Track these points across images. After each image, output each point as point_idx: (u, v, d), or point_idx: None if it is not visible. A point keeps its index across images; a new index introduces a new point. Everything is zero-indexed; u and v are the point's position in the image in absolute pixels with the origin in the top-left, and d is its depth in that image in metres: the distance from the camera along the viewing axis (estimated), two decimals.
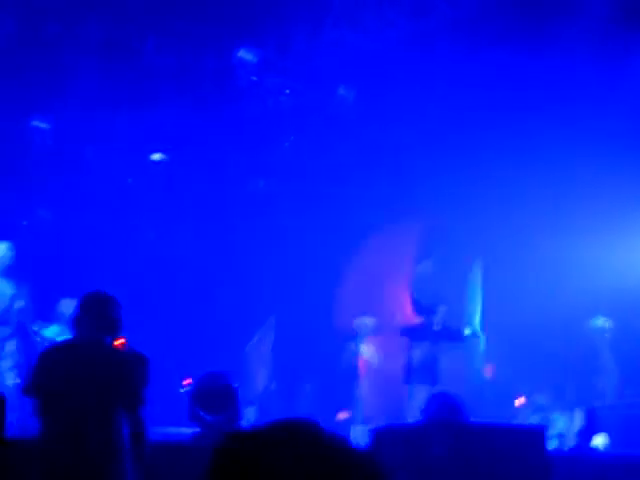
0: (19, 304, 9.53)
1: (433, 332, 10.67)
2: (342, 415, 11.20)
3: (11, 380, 9.22)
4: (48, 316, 10.05)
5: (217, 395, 7.31)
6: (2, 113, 11.42)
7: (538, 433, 6.66)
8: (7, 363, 9.33)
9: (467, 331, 11.11)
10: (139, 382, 5.53)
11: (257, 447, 1.58)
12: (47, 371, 5.56)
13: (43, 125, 11.90)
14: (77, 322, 5.70)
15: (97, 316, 5.60)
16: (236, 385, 7.48)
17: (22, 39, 9.97)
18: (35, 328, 9.60)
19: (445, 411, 7.13)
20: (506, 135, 11.18)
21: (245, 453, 1.58)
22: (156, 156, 12.79)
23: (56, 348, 5.88)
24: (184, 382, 10.63)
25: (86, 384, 5.41)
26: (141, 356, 5.77)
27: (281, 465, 1.55)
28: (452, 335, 10.84)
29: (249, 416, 8.71)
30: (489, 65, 10.44)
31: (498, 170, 11.41)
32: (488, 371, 11.80)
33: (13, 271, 9.67)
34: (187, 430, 7.51)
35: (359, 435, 9.97)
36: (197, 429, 7.20)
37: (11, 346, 9.43)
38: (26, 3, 9.72)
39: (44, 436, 5.48)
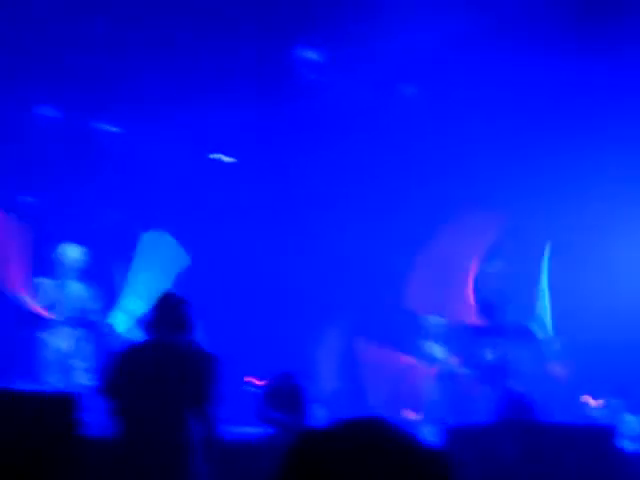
0: (93, 306, 9.70)
1: (503, 331, 10.55)
2: (411, 415, 11.15)
3: (86, 380, 9.39)
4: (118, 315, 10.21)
5: (287, 395, 7.35)
6: (72, 118, 11.64)
7: (609, 433, 6.57)
8: (82, 364, 9.50)
9: (537, 329, 10.94)
10: (208, 381, 5.59)
11: (331, 447, 1.58)
12: (122, 372, 5.68)
13: (113, 129, 12.09)
14: (150, 324, 5.81)
15: (169, 317, 5.69)
16: (306, 385, 7.51)
17: (95, 46, 10.13)
18: (108, 329, 9.76)
19: (517, 411, 7.08)
20: (579, 130, 11.03)
21: (319, 453, 1.58)
22: (221, 157, 12.90)
23: (131, 349, 5.98)
24: (254, 382, 10.69)
25: (158, 384, 5.50)
26: (210, 355, 5.82)
27: (355, 465, 1.54)
28: (522, 334, 10.70)
29: (319, 415, 8.72)
30: (557, 60, 10.31)
31: (570, 167, 11.27)
32: (558, 370, 11.63)
33: (87, 274, 9.84)
34: (257, 430, 7.56)
35: (429, 435, 9.92)
36: (268, 429, 7.24)
37: (86, 347, 9.59)
38: (102, 7, 9.87)
39: (119, 436, 5.58)
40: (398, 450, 1.57)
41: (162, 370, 5.59)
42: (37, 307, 9.56)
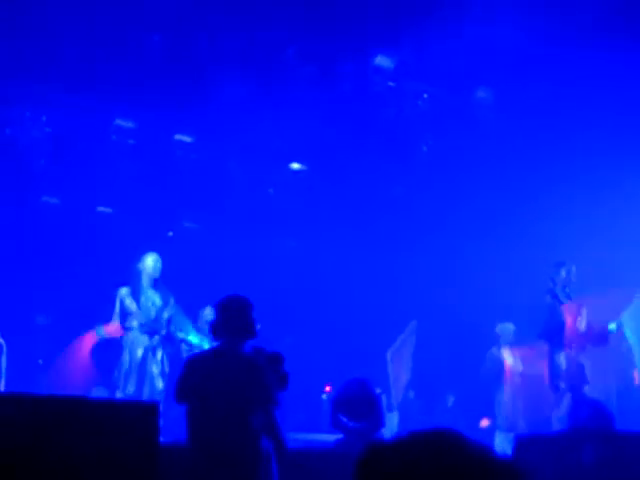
0: (167, 314, 9.82)
1: (577, 335, 10.35)
2: (485, 422, 11.05)
3: (161, 385, 9.52)
4: (193, 324, 10.33)
5: (360, 402, 7.31)
6: (147, 128, 11.80)
7: None
8: (157, 369, 9.63)
9: (613, 328, 10.68)
10: (269, 384, 5.63)
11: (401, 459, 1.57)
12: (192, 378, 5.74)
13: (186, 138, 12.22)
14: (214, 327, 5.88)
15: (232, 320, 5.75)
16: (379, 392, 7.47)
17: (167, 54, 10.25)
18: (181, 336, 9.88)
19: (592, 418, 6.94)
20: None
21: (389, 465, 1.57)
22: (295, 165, 12.95)
23: (199, 356, 6.08)
24: (326, 388, 10.71)
25: (224, 389, 5.57)
26: (273, 356, 5.86)
27: (424, 476, 1.53)
28: (597, 336, 10.47)
29: (391, 423, 8.69)
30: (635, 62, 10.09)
31: None
32: (636, 376, 11.39)
33: (161, 281, 9.97)
34: (329, 437, 7.55)
35: (502, 443, 9.81)
36: (340, 436, 7.22)
37: (160, 354, 9.72)
38: (174, 18, 9.99)
39: (190, 440, 5.66)
40: (468, 463, 1.55)
41: (224, 375, 5.67)
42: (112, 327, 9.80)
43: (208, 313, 10.50)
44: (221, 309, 5.96)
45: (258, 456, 5.58)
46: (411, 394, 11.76)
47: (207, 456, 5.55)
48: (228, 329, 5.84)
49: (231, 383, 5.64)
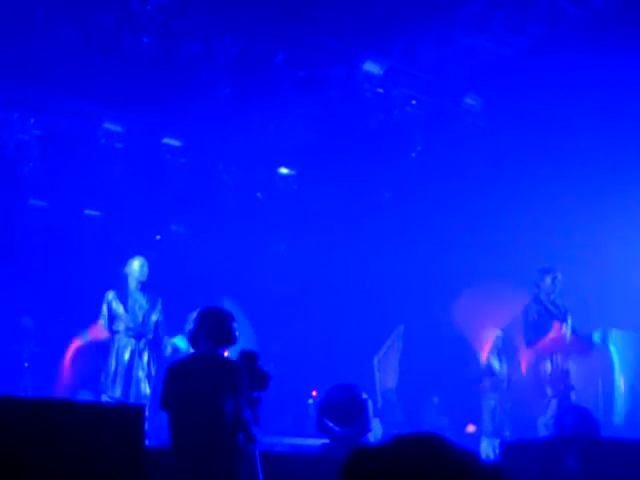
0: (154, 317, 9.81)
1: (562, 343, 10.38)
2: (471, 428, 11.07)
3: (147, 389, 9.51)
4: (180, 329, 10.32)
5: (346, 407, 7.31)
6: (136, 131, 11.79)
7: None
8: (143, 373, 9.62)
9: (597, 338, 10.74)
10: (239, 382, 5.73)
11: (385, 464, 1.58)
12: (171, 384, 5.86)
13: (175, 142, 12.21)
14: (193, 337, 6.03)
15: (211, 329, 5.89)
16: (365, 397, 7.47)
17: (156, 57, 10.25)
18: (168, 340, 9.87)
19: (578, 425, 6.97)
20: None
21: (374, 470, 1.58)
22: (284, 170, 12.97)
23: (178, 362, 6.20)
24: (312, 393, 10.72)
25: (199, 393, 5.71)
26: (247, 355, 6.00)
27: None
28: (582, 344, 10.50)
29: (375, 428, 8.69)
30: (626, 70, 10.13)
31: None
32: (621, 382, 11.44)
33: (148, 285, 9.96)
34: (315, 441, 7.56)
35: (488, 448, 9.83)
36: (326, 440, 7.23)
37: (147, 357, 9.71)
38: (163, 22, 9.99)
39: (172, 445, 5.74)
40: (452, 468, 1.56)
41: (200, 380, 5.81)
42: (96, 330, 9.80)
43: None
44: (199, 318, 6.12)
45: (236, 456, 5.65)
46: (393, 397, 11.76)
47: (187, 460, 5.63)
48: (207, 337, 5.99)
49: (206, 386, 5.77)
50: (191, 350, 6.28)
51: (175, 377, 5.97)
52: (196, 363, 6.00)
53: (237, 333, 6.08)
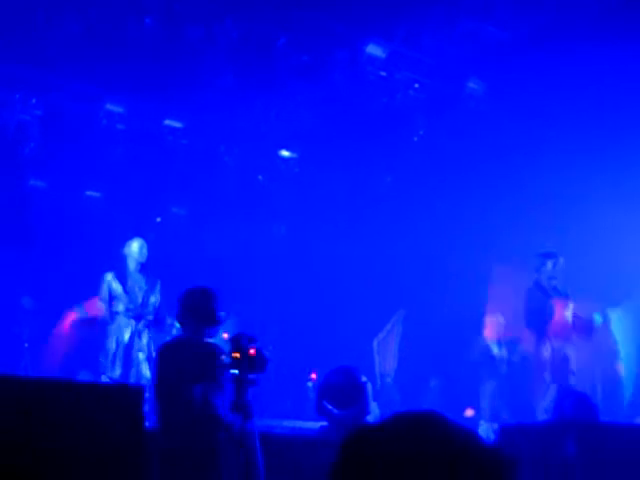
0: (154, 299, 9.82)
1: (563, 326, 10.36)
2: (469, 412, 11.10)
3: (146, 371, 9.53)
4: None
5: (345, 389, 7.32)
6: (137, 113, 11.77)
7: None
8: (143, 355, 9.64)
9: (598, 320, 10.69)
10: (210, 365, 5.81)
11: (383, 441, 1.57)
12: (155, 368, 6.18)
13: (176, 124, 12.19)
14: (178, 318, 6.13)
15: (195, 310, 5.97)
16: (364, 379, 7.48)
17: (160, 41, 10.23)
18: (169, 321, 9.88)
19: (577, 409, 6.98)
20: None
21: (372, 448, 1.57)
22: (285, 153, 12.95)
23: (164, 345, 6.35)
24: (311, 376, 10.73)
25: (178, 377, 5.86)
26: (212, 347, 6.08)
27: (410, 458, 1.53)
28: (583, 328, 10.49)
29: (374, 411, 8.70)
30: (628, 56, 10.10)
31: None
32: (620, 368, 11.46)
33: (148, 266, 9.97)
34: (314, 424, 7.57)
35: (487, 432, 9.85)
36: (324, 423, 7.24)
37: (146, 338, 9.73)
38: (166, 5, 9.96)
39: (158, 427, 5.86)
40: (452, 446, 1.56)
41: (179, 364, 5.96)
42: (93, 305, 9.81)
43: None
44: (184, 298, 6.23)
45: (206, 441, 5.73)
46: (389, 380, 11.77)
47: (166, 442, 5.72)
48: (191, 317, 6.10)
49: (177, 371, 5.92)
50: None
51: (158, 360, 6.18)
52: (175, 347, 6.17)
53: (222, 313, 6.16)
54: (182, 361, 5.95)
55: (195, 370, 5.86)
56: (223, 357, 5.84)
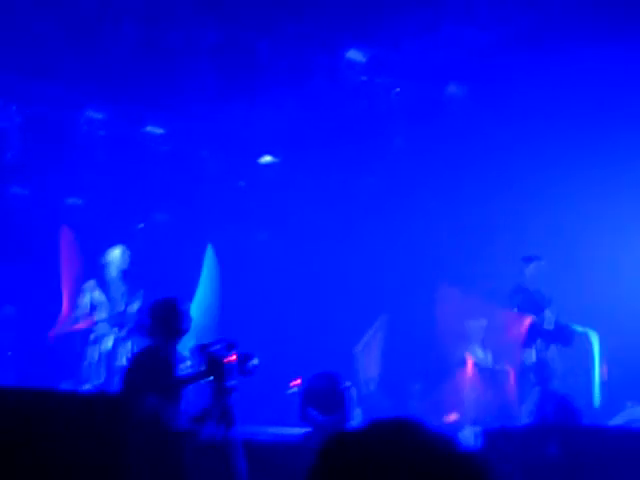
0: (136, 306, 9.79)
1: (544, 332, 10.41)
2: (452, 416, 11.10)
3: None
4: None
5: (328, 395, 7.34)
6: (118, 120, 11.74)
7: None
8: (122, 362, 9.60)
9: (579, 329, 10.76)
10: (163, 380, 5.92)
11: (360, 447, 1.58)
12: (122, 378, 6.41)
13: (157, 130, 12.17)
14: (147, 328, 6.30)
15: (160, 321, 6.12)
16: (347, 385, 7.50)
17: (140, 47, 10.21)
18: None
19: (559, 413, 7.01)
20: (623, 128, 10.89)
21: (349, 453, 1.58)
22: (267, 158, 12.94)
23: (132, 355, 6.49)
24: (294, 382, 10.70)
25: (134, 388, 6.08)
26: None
27: (385, 465, 1.54)
28: (564, 334, 10.54)
29: (357, 417, 8.70)
30: (607, 59, 10.16)
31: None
32: (604, 372, 11.49)
33: (130, 274, 9.94)
34: (298, 430, 7.57)
35: (469, 437, 9.86)
36: (308, 429, 7.24)
37: (129, 346, 9.69)
38: (146, 10, 9.95)
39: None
40: (429, 451, 1.56)
41: (128, 376, 6.26)
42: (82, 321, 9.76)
43: None
44: (150, 310, 6.54)
45: (168, 450, 5.78)
46: (372, 387, 11.76)
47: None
48: (158, 328, 6.36)
49: (140, 380, 6.14)
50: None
51: (124, 370, 6.48)
52: (138, 357, 6.45)
53: (187, 325, 6.29)
54: (142, 371, 6.05)
55: (149, 380, 5.95)
56: (185, 366, 5.92)
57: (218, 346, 5.76)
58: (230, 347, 5.76)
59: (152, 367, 6.06)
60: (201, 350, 5.82)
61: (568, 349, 10.78)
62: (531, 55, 10.37)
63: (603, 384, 11.22)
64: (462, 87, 11.61)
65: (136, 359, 6.45)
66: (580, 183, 11.27)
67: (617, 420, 10.45)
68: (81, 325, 9.90)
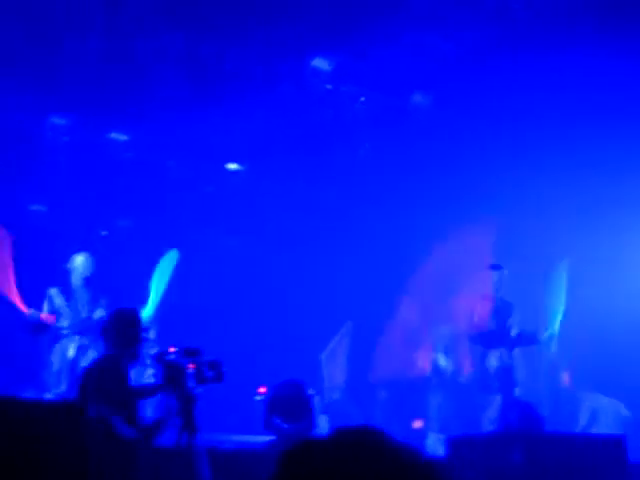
0: (99, 314, 9.71)
1: (509, 338, 10.49)
2: (417, 424, 11.13)
3: None
4: None
5: (293, 403, 7.33)
6: (82, 126, 11.66)
7: (618, 443, 6.50)
8: None
9: (544, 335, 10.85)
10: (101, 392, 5.97)
11: (324, 456, 1.58)
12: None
13: (122, 137, 12.10)
14: (102, 337, 6.38)
15: (115, 331, 6.18)
16: (311, 393, 7.49)
17: (105, 53, 10.15)
18: None
19: (522, 420, 7.05)
20: (584, 137, 10.99)
21: (312, 462, 1.58)
22: (232, 166, 12.92)
23: (89, 364, 6.56)
24: (259, 390, 10.68)
25: (82, 398, 6.12)
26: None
27: (348, 473, 1.54)
28: (528, 339, 10.61)
29: (322, 424, 8.70)
30: (570, 67, 10.26)
31: (579, 171, 11.22)
32: (565, 378, 11.59)
33: (94, 281, 9.86)
34: (262, 438, 7.55)
35: (434, 444, 9.89)
36: (273, 437, 7.23)
37: (92, 354, 9.61)
38: (110, 16, 9.89)
39: None
40: (391, 460, 1.56)
41: (85, 385, 6.34)
42: (44, 315, 9.62)
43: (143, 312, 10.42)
44: (106, 320, 6.76)
45: (116, 459, 5.80)
46: (336, 396, 11.76)
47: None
48: (113, 338, 6.49)
49: (88, 390, 6.26)
50: None
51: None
52: (91, 367, 6.60)
53: (143, 334, 6.36)
54: (94, 381, 6.09)
55: (101, 390, 5.98)
56: (148, 374, 5.95)
57: (173, 354, 5.72)
58: (188, 353, 5.72)
59: (105, 377, 6.09)
60: (159, 358, 5.78)
61: (534, 354, 10.88)
62: (495, 64, 10.44)
63: (564, 390, 11.34)
64: (427, 96, 11.67)
65: (90, 369, 6.50)
66: (545, 190, 11.38)
67: (583, 414, 10.58)
68: (45, 318, 9.77)
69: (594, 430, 10.52)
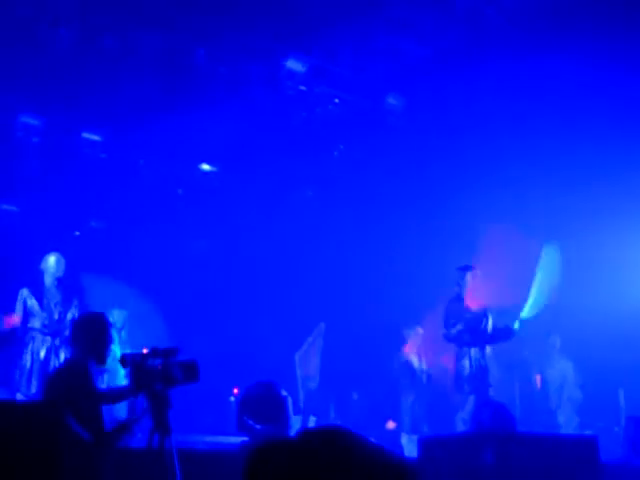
0: (71, 315, 9.67)
1: (483, 337, 10.50)
2: (390, 424, 11.16)
3: None
4: None
5: (266, 404, 7.30)
6: (54, 125, 11.58)
7: (590, 443, 6.54)
8: None
9: (516, 325, 10.86)
10: (74, 394, 5.96)
11: (291, 456, 1.58)
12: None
13: (94, 137, 12.03)
14: (70, 341, 6.40)
15: (82, 334, 6.18)
16: (285, 394, 7.47)
17: (76, 53, 10.09)
18: None
19: (495, 420, 7.07)
20: (557, 139, 11.07)
21: (279, 463, 1.57)
22: (205, 166, 12.89)
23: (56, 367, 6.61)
24: (233, 391, 10.68)
25: (47, 395, 6.17)
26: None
27: (316, 475, 1.53)
28: (502, 334, 10.62)
29: (296, 425, 8.68)
30: (543, 71, 10.33)
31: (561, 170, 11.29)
32: (537, 380, 11.67)
33: (66, 282, 9.81)
34: (235, 439, 7.53)
35: (408, 444, 9.92)
36: (245, 438, 7.20)
37: (63, 355, 9.57)
38: (82, 17, 9.84)
39: None
40: (359, 460, 1.56)
41: (51, 389, 6.22)
42: (12, 319, 9.57)
43: (116, 314, 10.40)
44: (74, 323, 6.72)
45: (84, 461, 5.80)
46: (311, 392, 11.77)
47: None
48: (80, 341, 6.34)
49: (54, 394, 6.11)
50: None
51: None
52: (57, 370, 6.61)
53: (109, 341, 6.35)
54: (58, 384, 6.08)
55: (62, 393, 5.97)
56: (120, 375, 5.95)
57: (144, 355, 5.68)
58: (159, 354, 5.68)
59: (70, 380, 6.06)
60: (126, 359, 5.75)
61: (506, 356, 10.93)
62: (468, 67, 10.49)
63: (535, 393, 11.41)
64: (401, 98, 11.70)
65: (56, 372, 6.51)
66: (516, 192, 11.44)
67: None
68: (10, 323, 9.73)
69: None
